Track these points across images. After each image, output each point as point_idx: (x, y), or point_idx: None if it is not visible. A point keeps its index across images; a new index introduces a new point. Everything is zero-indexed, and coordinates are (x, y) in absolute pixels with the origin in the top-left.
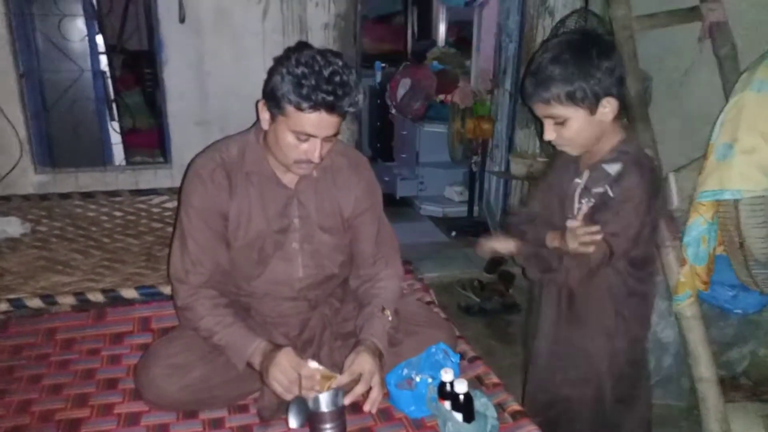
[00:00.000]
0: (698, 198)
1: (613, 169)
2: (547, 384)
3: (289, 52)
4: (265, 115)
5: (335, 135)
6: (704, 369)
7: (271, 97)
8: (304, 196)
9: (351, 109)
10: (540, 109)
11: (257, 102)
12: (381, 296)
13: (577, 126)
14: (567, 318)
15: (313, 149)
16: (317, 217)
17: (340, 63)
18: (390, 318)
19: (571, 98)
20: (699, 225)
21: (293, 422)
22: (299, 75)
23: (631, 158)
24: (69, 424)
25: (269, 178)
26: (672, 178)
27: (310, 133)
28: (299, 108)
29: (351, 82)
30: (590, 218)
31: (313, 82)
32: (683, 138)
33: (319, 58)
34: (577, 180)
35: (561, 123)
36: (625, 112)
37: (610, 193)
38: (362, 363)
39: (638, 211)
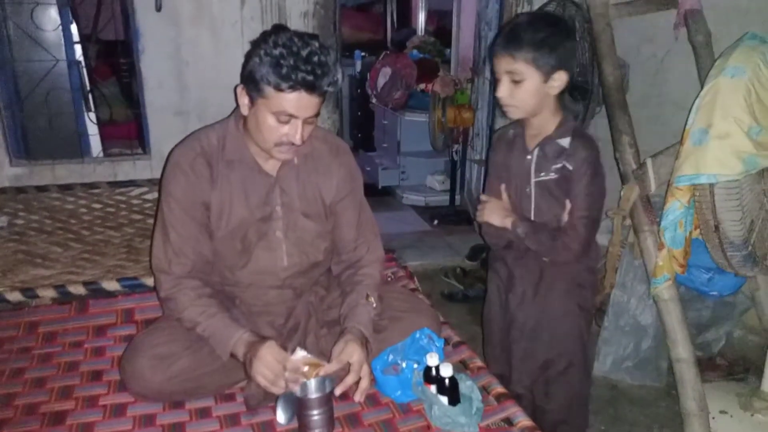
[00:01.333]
0: (675, 183)
1: (565, 141)
2: (534, 351)
3: (265, 35)
4: (244, 100)
5: (315, 116)
6: (682, 350)
7: (249, 80)
8: (286, 182)
9: (330, 89)
10: (504, 63)
11: (236, 87)
12: (364, 283)
13: (530, 88)
14: (544, 283)
15: (294, 131)
16: (300, 204)
17: (317, 44)
18: (375, 305)
19: (535, 60)
20: (676, 209)
21: (281, 418)
22: (277, 56)
23: (576, 132)
24: (54, 417)
25: (250, 166)
26: (649, 164)
27: (290, 113)
28: (279, 89)
29: (329, 62)
30: (557, 191)
31: (291, 62)
32: (659, 124)
33: (296, 39)
34: (528, 157)
35: (517, 82)
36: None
37: (569, 166)
38: (351, 352)
39: (597, 179)
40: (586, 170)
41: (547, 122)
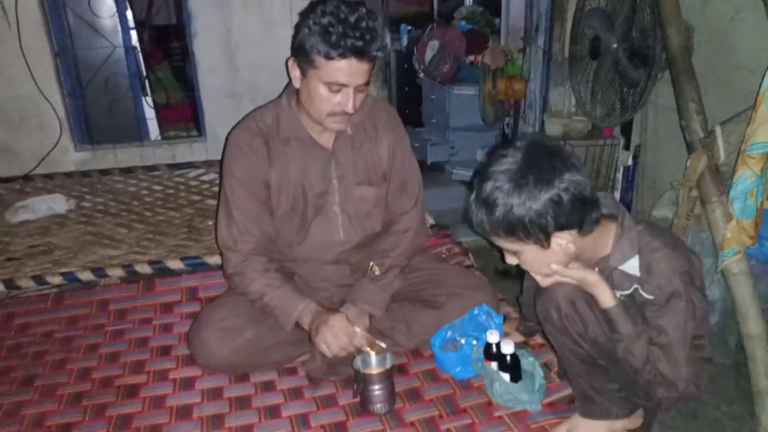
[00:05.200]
0: (747, 151)
1: (632, 267)
2: None
3: (312, 5)
4: (295, 73)
5: (366, 84)
6: (753, 325)
7: (300, 51)
8: (341, 154)
9: (379, 54)
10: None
11: (287, 60)
12: (382, 250)
13: (530, 258)
14: None
15: (347, 100)
16: (354, 174)
17: (364, 9)
18: (377, 273)
19: (511, 236)
20: (747, 178)
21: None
22: (326, 24)
23: (647, 245)
24: (128, 390)
25: (306, 142)
26: (718, 131)
27: (341, 82)
28: (329, 57)
29: (377, 27)
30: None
31: (340, 29)
32: (728, 90)
33: (343, 6)
34: None
35: (516, 253)
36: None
37: (647, 295)
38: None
39: (689, 305)
40: (672, 301)
41: (595, 250)
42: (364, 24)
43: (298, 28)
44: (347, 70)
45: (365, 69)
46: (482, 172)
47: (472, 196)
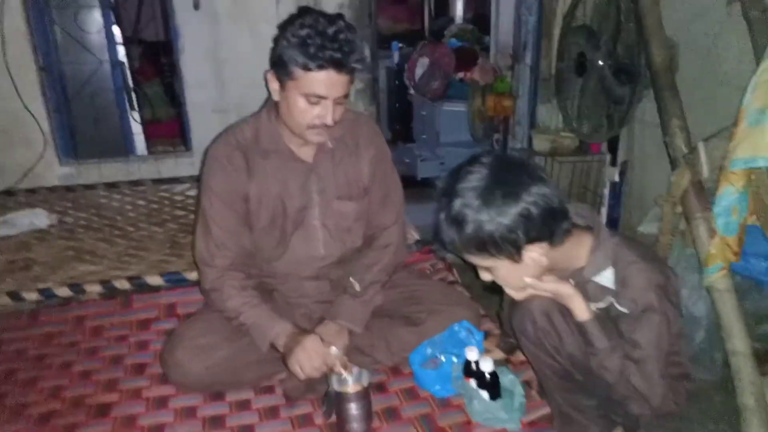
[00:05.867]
0: (730, 167)
1: (607, 279)
2: None
3: (292, 17)
4: (274, 85)
5: (345, 97)
6: (738, 342)
7: (278, 63)
8: (322, 168)
9: (358, 66)
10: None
11: (265, 73)
12: (363, 264)
13: (504, 273)
14: None
15: (326, 112)
16: (335, 188)
17: (343, 23)
18: (358, 289)
19: (483, 252)
20: (730, 194)
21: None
22: (304, 36)
23: (623, 258)
24: (99, 409)
25: (286, 155)
26: (701, 148)
27: (320, 94)
28: (307, 68)
29: (355, 40)
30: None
31: (318, 41)
32: (712, 106)
33: (321, 19)
34: None
35: (489, 268)
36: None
37: (622, 308)
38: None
39: (663, 319)
40: (646, 315)
41: (569, 261)
42: (342, 36)
43: (276, 40)
44: (326, 81)
45: (344, 81)
46: (449, 189)
47: (441, 215)
